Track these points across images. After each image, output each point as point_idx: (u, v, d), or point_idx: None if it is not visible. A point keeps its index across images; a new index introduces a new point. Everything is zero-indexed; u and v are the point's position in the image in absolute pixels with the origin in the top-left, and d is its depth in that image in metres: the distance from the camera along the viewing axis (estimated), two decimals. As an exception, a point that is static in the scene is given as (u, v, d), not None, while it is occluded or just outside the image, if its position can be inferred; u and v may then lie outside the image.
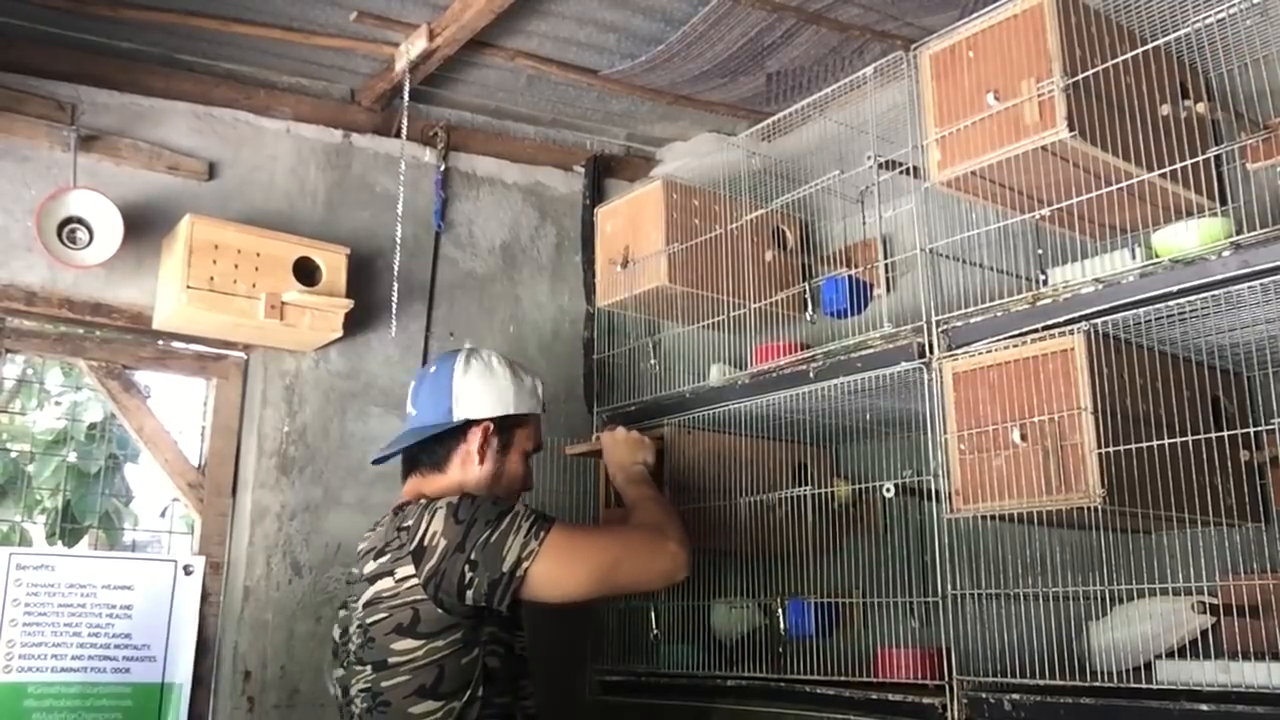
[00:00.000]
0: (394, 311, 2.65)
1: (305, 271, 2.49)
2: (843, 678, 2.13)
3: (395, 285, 2.66)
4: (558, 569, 1.82)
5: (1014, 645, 1.86)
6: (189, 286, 2.32)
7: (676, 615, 2.57)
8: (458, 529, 1.78)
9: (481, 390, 2.02)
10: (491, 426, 2.01)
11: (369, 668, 1.82)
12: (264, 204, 2.68)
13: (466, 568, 1.76)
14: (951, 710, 1.89)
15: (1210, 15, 1.79)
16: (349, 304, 2.52)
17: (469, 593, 1.77)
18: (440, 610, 1.77)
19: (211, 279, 2.35)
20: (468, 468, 2.00)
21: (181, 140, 2.60)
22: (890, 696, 2.00)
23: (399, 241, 2.67)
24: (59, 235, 2.32)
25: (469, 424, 2.00)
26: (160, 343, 2.56)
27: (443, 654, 1.78)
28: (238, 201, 2.64)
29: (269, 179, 2.71)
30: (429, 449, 2.01)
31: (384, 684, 1.79)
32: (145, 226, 2.47)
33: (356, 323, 2.63)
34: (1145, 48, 1.95)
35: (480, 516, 1.80)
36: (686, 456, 2.53)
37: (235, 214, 2.57)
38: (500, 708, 1.85)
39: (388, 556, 1.82)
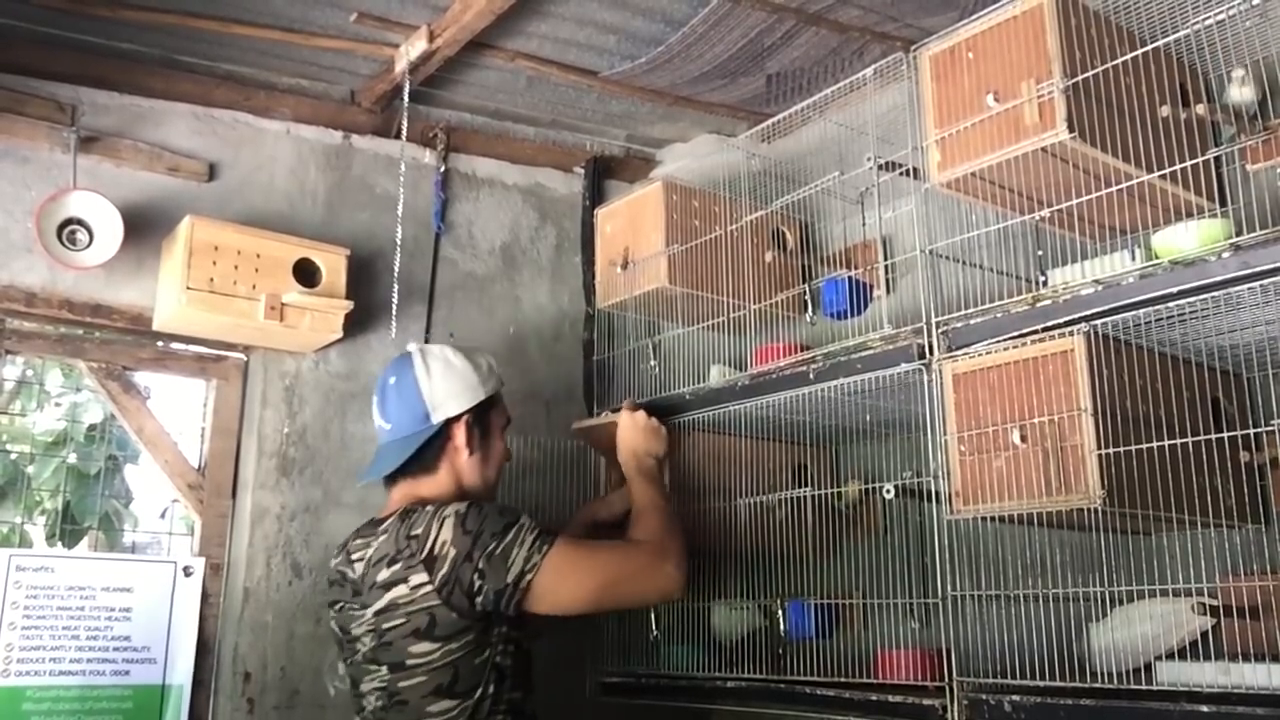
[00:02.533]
0: (394, 313, 2.65)
1: (305, 273, 2.49)
2: (843, 679, 2.13)
3: (395, 286, 2.66)
4: (559, 583, 1.90)
5: (1014, 646, 1.86)
6: (189, 288, 2.32)
7: (677, 616, 2.57)
8: (465, 539, 1.86)
9: (451, 387, 2.08)
10: (470, 418, 2.09)
11: (385, 668, 1.89)
12: (264, 205, 2.68)
13: (475, 576, 1.84)
14: (951, 711, 1.89)
15: (1210, 16, 1.79)
16: (349, 305, 2.51)
17: (478, 599, 1.86)
18: (454, 614, 1.85)
19: (211, 280, 2.35)
20: (458, 462, 2.09)
21: (181, 141, 2.60)
22: (890, 698, 2.00)
23: (399, 243, 2.67)
24: (59, 236, 2.32)
25: (449, 423, 2.07)
26: (160, 344, 2.56)
27: (457, 655, 1.86)
28: (238, 202, 2.64)
29: (269, 180, 2.71)
30: (415, 458, 2.07)
31: (401, 684, 1.87)
32: (145, 228, 2.47)
33: (356, 324, 2.63)
34: (1145, 49, 1.95)
35: (487, 528, 1.88)
36: (686, 458, 2.53)
37: (235, 215, 2.57)
38: (511, 703, 1.94)
39: (400, 565, 1.88)
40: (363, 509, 2.64)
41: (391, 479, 2.10)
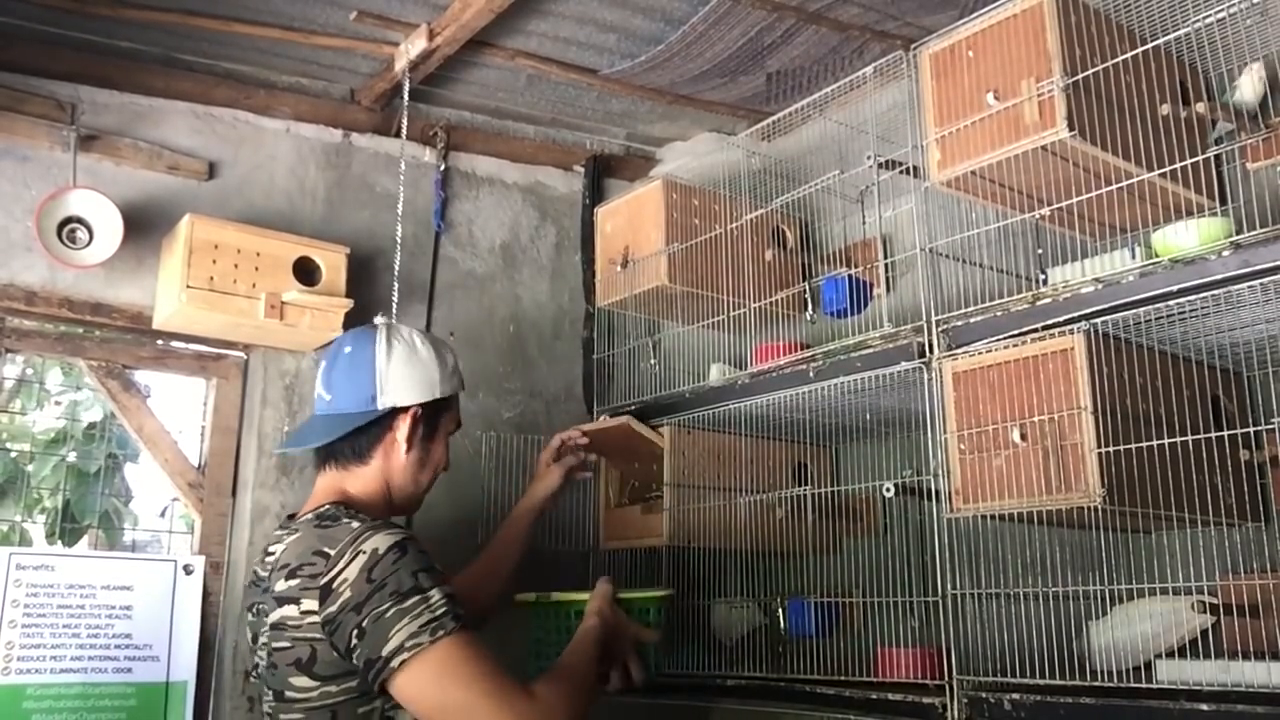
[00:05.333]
0: (394, 311, 2.65)
1: (305, 271, 2.49)
2: (843, 677, 2.13)
3: (395, 285, 2.66)
4: (425, 680, 1.58)
5: (1014, 645, 1.86)
6: (189, 286, 2.32)
7: (677, 615, 2.57)
8: (366, 587, 1.59)
9: (408, 376, 1.88)
10: (420, 412, 1.89)
11: (271, 693, 1.72)
12: (264, 204, 2.68)
13: (354, 633, 1.58)
14: (951, 710, 1.89)
15: (1210, 15, 1.79)
16: (349, 304, 2.51)
17: (353, 655, 1.60)
18: (336, 654, 1.62)
19: (211, 279, 2.35)
20: (393, 456, 1.88)
21: (181, 140, 2.60)
22: (890, 696, 2.00)
23: (399, 241, 2.67)
24: (59, 235, 2.32)
25: (395, 412, 1.87)
26: (160, 342, 2.56)
27: (336, 700, 1.63)
28: (237, 201, 2.64)
29: (269, 179, 2.71)
30: (348, 440, 1.87)
31: (282, 715, 1.68)
32: (145, 226, 2.47)
33: (357, 322, 2.60)
34: (1145, 47, 1.95)
35: (390, 583, 1.59)
36: (686, 457, 2.53)
37: (235, 214, 2.57)
38: None
39: (297, 582, 1.66)
40: (363, 507, 2.65)
41: (321, 463, 1.90)
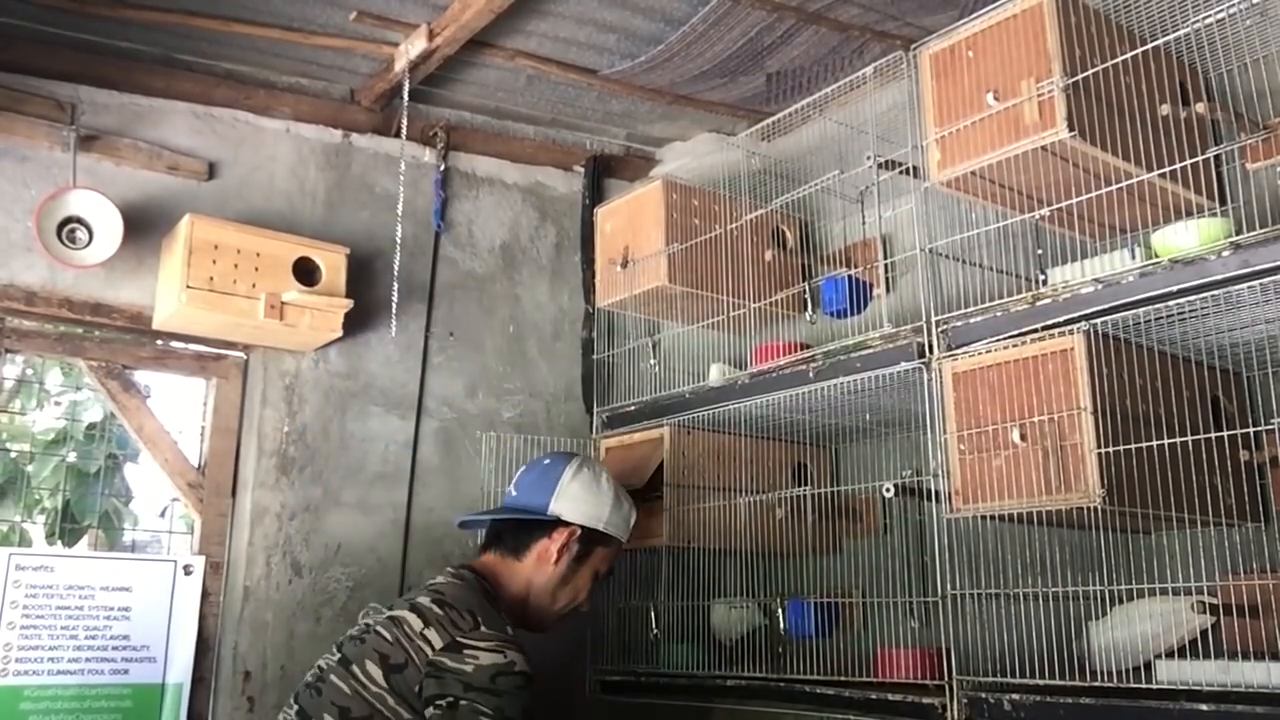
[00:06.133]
0: (394, 311, 2.65)
1: (305, 271, 2.49)
2: (843, 678, 2.13)
3: (395, 285, 2.66)
4: None
5: (1014, 645, 1.85)
6: (189, 286, 2.32)
7: (676, 615, 2.57)
8: (485, 682, 1.76)
9: (582, 497, 2.12)
10: (578, 532, 2.11)
11: (338, 656, 1.88)
12: (264, 204, 2.68)
13: (447, 703, 1.74)
14: (951, 710, 1.89)
15: (1210, 15, 1.79)
16: (349, 304, 2.51)
17: (429, 709, 1.76)
18: (417, 689, 1.78)
19: (211, 279, 2.35)
20: (543, 565, 2.09)
21: (181, 140, 2.60)
22: (890, 696, 2.00)
23: (399, 241, 2.67)
24: (59, 235, 2.32)
25: (559, 523, 2.10)
26: (160, 343, 2.56)
27: (384, 710, 1.78)
28: (237, 201, 2.64)
29: (269, 179, 2.71)
30: (514, 531, 2.12)
31: (333, 677, 1.84)
32: (145, 226, 2.47)
33: (356, 323, 2.63)
34: (1145, 48, 1.95)
35: (503, 701, 1.75)
36: (686, 456, 2.53)
37: (235, 214, 2.57)
38: None
39: (440, 613, 1.86)
40: (363, 508, 2.65)
41: (488, 545, 2.15)
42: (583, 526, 2.11)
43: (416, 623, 1.85)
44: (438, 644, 1.81)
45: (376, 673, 1.80)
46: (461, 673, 1.77)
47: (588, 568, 2.15)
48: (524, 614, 2.09)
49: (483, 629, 1.84)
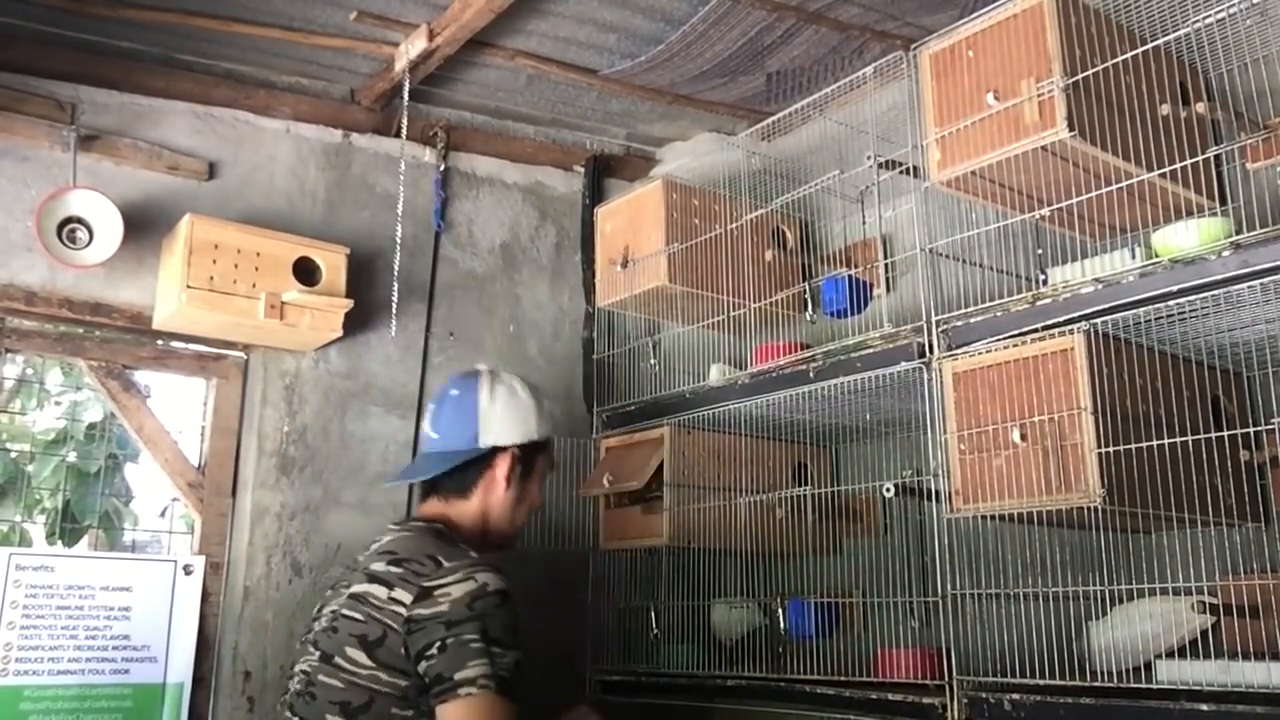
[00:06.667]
0: (394, 311, 2.65)
1: (305, 271, 2.49)
2: (843, 678, 2.13)
3: (395, 285, 2.66)
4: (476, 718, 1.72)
5: (1014, 645, 1.85)
6: (189, 286, 2.32)
7: (677, 615, 2.57)
8: (465, 612, 1.73)
9: (508, 417, 2.05)
10: (518, 453, 2.04)
11: (317, 654, 1.83)
12: (264, 204, 2.68)
13: (437, 645, 1.71)
14: (951, 710, 1.89)
15: (1210, 15, 1.79)
16: (349, 304, 2.51)
17: (421, 664, 1.72)
18: (403, 651, 1.73)
19: (211, 279, 2.35)
20: (494, 494, 2.03)
21: (181, 140, 2.60)
22: (890, 696, 2.00)
23: (399, 241, 2.67)
24: (59, 235, 2.32)
25: (495, 451, 2.03)
26: (160, 343, 2.56)
27: (380, 688, 1.74)
28: (238, 201, 2.64)
29: (269, 179, 2.71)
30: (453, 474, 2.03)
31: (320, 677, 1.79)
32: (145, 226, 2.47)
33: (356, 322, 2.63)
34: (1145, 48, 1.95)
35: (487, 623, 1.73)
36: (686, 456, 2.53)
37: (235, 214, 2.57)
38: None
39: (399, 570, 1.80)
40: (363, 508, 2.64)
41: (426, 492, 2.07)
42: (519, 445, 2.05)
43: (381, 591, 1.79)
44: (408, 600, 1.75)
45: (360, 655, 1.76)
46: (439, 614, 1.72)
47: (535, 478, 2.10)
48: (485, 541, 2.02)
49: (445, 565, 1.79)
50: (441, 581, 1.76)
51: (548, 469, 2.15)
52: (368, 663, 1.74)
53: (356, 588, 1.83)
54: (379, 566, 1.83)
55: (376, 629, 1.76)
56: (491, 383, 2.07)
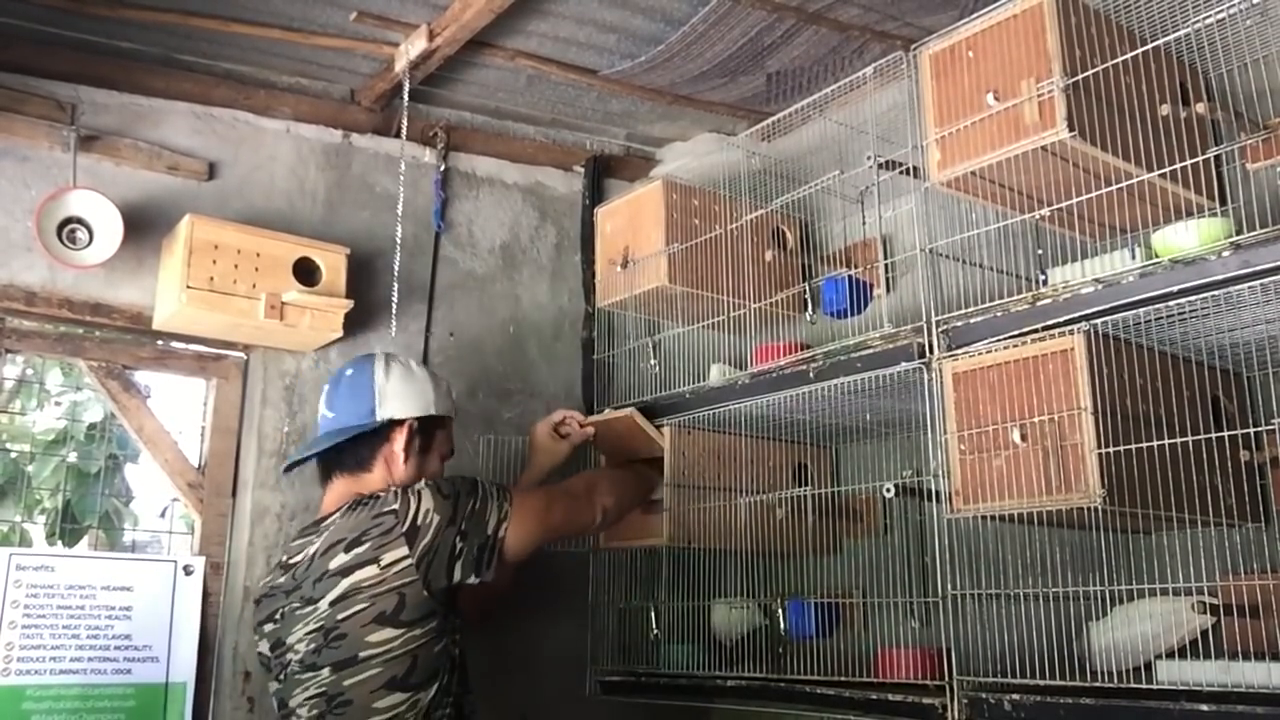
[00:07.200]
0: (394, 311, 2.65)
1: (305, 271, 2.49)
2: (843, 678, 2.13)
3: (395, 285, 2.66)
4: (524, 529, 1.98)
5: (1014, 645, 1.86)
6: (189, 286, 2.32)
7: (677, 615, 2.57)
8: (446, 503, 1.88)
9: (404, 392, 2.08)
10: (415, 425, 2.07)
11: (325, 670, 1.82)
12: (264, 204, 2.68)
13: (458, 539, 1.86)
14: (951, 710, 1.89)
15: (1210, 15, 1.79)
16: (349, 304, 2.51)
17: (458, 565, 1.87)
18: (426, 592, 1.83)
19: (211, 279, 2.35)
20: (393, 467, 2.05)
21: (181, 140, 2.60)
22: (890, 696, 2.00)
23: (399, 241, 2.67)
24: (59, 235, 2.32)
25: (392, 424, 2.05)
26: (160, 343, 2.56)
27: (419, 643, 1.83)
28: (238, 201, 2.64)
29: (269, 179, 2.71)
30: (351, 450, 2.04)
31: (347, 682, 1.80)
32: (145, 226, 2.47)
33: (356, 323, 2.63)
34: (1145, 48, 1.95)
35: (461, 490, 1.93)
36: (686, 456, 2.53)
37: (235, 214, 2.57)
38: (456, 698, 1.92)
39: (368, 544, 1.83)
40: (363, 508, 2.64)
41: (327, 476, 2.08)
42: (417, 418, 2.07)
43: (366, 573, 1.82)
44: (405, 549, 1.82)
45: (386, 631, 1.80)
46: (439, 525, 1.86)
47: (434, 454, 2.13)
48: None
49: (398, 507, 1.86)
50: (412, 513, 1.85)
51: (447, 449, 2.19)
52: (396, 632, 1.80)
53: (333, 592, 1.82)
54: (341, 561, 1.84)
55: (390, 599, 1.80)
56: (387, 361, 2.12)
